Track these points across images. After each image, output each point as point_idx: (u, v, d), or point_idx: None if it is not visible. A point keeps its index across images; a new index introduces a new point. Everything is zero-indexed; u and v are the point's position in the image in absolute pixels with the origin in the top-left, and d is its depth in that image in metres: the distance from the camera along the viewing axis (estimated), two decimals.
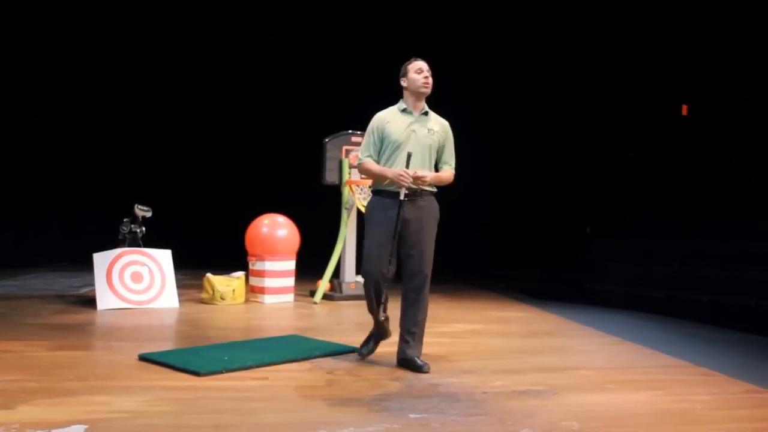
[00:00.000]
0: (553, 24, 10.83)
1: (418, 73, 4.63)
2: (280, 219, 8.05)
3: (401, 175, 4.43)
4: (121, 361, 4.63)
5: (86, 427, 3.21)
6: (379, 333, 4.84)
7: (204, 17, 11.99)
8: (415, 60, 4.70)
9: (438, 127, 4.71)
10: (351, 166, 7.21)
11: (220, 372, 4.28)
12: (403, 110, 4.67)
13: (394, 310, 4.73)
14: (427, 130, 4.64)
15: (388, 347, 4.85)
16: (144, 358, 4.64)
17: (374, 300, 4.64)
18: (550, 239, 10.82)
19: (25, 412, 3.43)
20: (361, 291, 7.11)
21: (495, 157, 11.67)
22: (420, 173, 4.46)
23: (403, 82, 4.69)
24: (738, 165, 9.47)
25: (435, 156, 4.70)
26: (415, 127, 4.62)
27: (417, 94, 4.65)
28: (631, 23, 10.31)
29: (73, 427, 3.21)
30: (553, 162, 11.20)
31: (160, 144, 11.96)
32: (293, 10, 12.10)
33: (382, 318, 4.71)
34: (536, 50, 11.01)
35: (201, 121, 12.30)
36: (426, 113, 4.70)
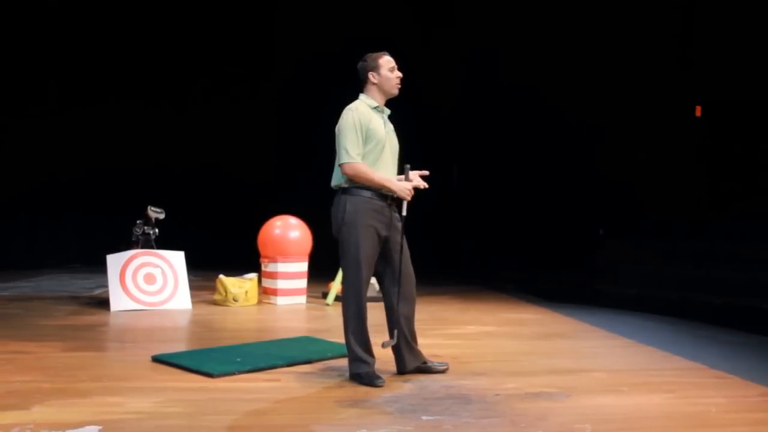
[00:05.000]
0: (566, 28, 10.80)
1: (392, 71, 4.28)
2: (293, 221, 8.07)
3: (409, 192, 4.16)
4: (135, 362, 4.65)
5: (100, 427, 3.23)
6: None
7: (215, 13, 12.05)
8: (385, 54, 4.31)
9: (393, 128, 4.43)
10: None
11: (233, 373, 4.29)
12: (375, 108, 4.26)
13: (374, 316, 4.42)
14: (393, 132, 4.38)
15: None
16: (157, 360, 4.65)
17: (365, 326, 4.20)
18: (563, 241, 10.79)
19: (40, 412, 3.45)
20: (374, 293, 7.09)
21: (507, 160, 11.65)
22: (423, 183, 4.29)
23: (373, 78, 4.27)
24: (751, 165, 9.42)
25: None
26: (387, 128, 4.31)
27: (387, 94, 4.31)
28: (643, 25, 10.27)
29: (87, 427, 3.23)
30: (565, 164, 11.16)
31: (172, 145, 12.00)
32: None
33: (391, 345, 4.30)
34: (547, 54, 10.98)
35: (213, 122, 12.34)
36: (388, 114, 4.39)
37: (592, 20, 10.57)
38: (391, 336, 4.32)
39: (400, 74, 4.31)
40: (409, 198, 4.18)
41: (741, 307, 7.08)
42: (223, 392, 3.93)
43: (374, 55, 4.32)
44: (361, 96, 4.33)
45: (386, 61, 4.29)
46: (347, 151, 4.10)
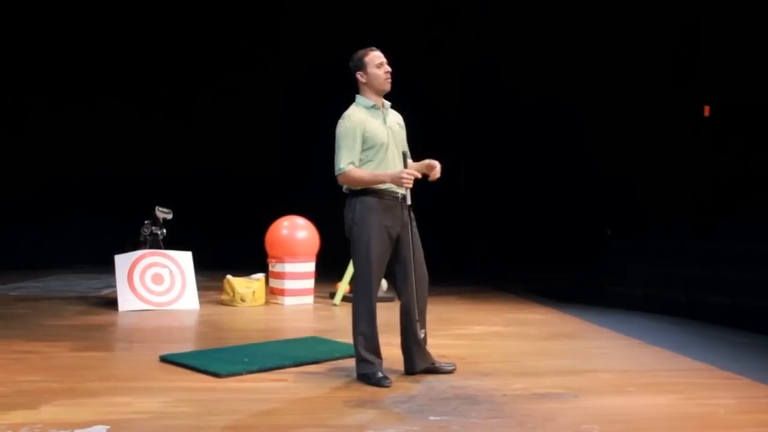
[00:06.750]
0: (573, 28, 10.78)
1: (379, 67, 4.19)
2: (300, 221, 8.08)
3: (404, 177, 4.01)
4: (142, 362, 4.67)
5: (108, 427, 3.24)
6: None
7: (220, 14, 12.07)
8: (372, 50, 4.23)
9: (401, 120, 4.40)
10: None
11: (240, 374, 4.30)
12: (372, 107, 4.22)
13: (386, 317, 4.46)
14: (397, 125, 4.33)
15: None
16: (165, 360, 4.67)
17: (375, 326, 4.18)
18: (570, 241, 10.77)
19: (48, 412, 3.47)
20: (380, 293, 7.05)
21: (514, 160, 11.63)
22: (437, 168, 4.23)
23: (361, 77, 4.22)
24: (758, 165, 9.37)
25: None
26: (389, 123, 4.26)
27: (379, 91, 4.24)
28: (650, 25, 10.24)
29: (95, 427, 3.24)
30: (572, 164, 11.15)
31: (179, 145, 12.04)
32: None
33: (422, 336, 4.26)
34: (554, 55, 10.97)
35: (221, 122, 12.36)
36: (389, 107, 4.34)
37: (600, 21, 10.55)
38: (419, 331, 4.22)
39: (389, 69, 4.23)
40: (408, 185, 4.05)
41: (749, 307, 7.03)
42: (230, 392, 3.94)
43: (360, 52, 4.25)
44: (357, 98, 4.30)
45: (372, 58, 4.21)
46: (338, 164, 4.11)
